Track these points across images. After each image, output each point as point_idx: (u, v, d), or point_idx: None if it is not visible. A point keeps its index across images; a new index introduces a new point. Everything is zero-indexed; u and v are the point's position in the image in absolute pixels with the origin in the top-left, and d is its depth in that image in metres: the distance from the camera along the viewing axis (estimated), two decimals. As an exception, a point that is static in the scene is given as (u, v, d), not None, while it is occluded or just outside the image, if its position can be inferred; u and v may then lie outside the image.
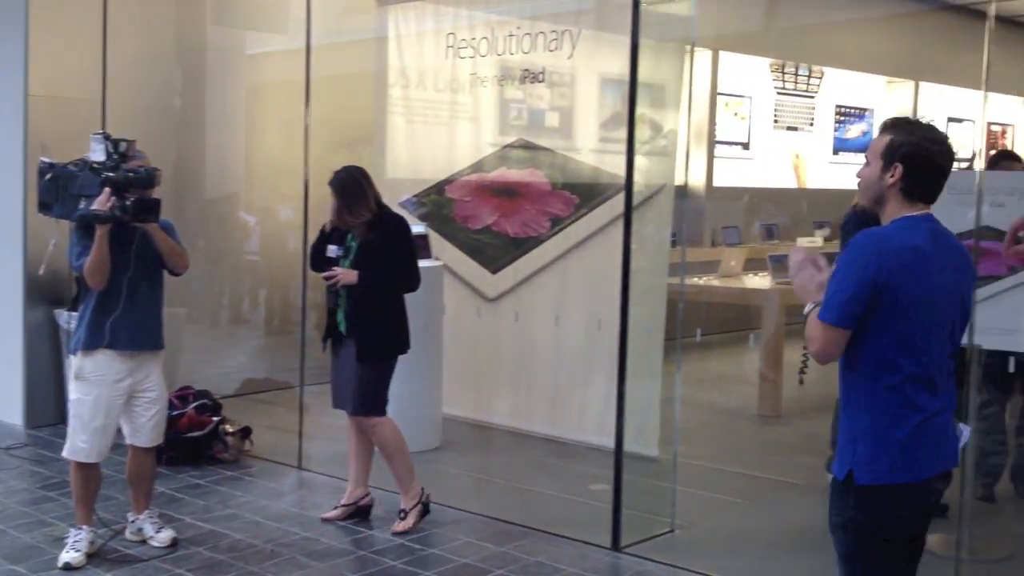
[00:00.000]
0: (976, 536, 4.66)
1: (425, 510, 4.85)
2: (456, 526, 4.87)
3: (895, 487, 2.74)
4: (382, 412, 4.79)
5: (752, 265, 8.77)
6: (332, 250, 4.79)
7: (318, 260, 4.85)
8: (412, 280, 4.80)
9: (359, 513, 4.94)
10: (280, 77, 7.43)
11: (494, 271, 6.66)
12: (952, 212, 4.55)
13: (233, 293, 8.25)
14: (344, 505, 4.95)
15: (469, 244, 6.74)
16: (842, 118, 11.93)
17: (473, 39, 6.59)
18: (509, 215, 6.57)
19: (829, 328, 2.70)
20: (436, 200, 6.85)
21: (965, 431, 2.93)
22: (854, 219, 5.12)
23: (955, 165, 2.89)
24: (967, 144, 12.43)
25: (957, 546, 4.50)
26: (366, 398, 4.75)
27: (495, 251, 6.64)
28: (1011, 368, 5.00)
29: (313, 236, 5.00)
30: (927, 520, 2.92)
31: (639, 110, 4.76)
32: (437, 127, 6.92)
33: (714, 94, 10.27)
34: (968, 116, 12.25)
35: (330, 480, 5.52)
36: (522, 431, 6.44)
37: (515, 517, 4.95)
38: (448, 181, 6.82)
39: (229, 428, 5.95)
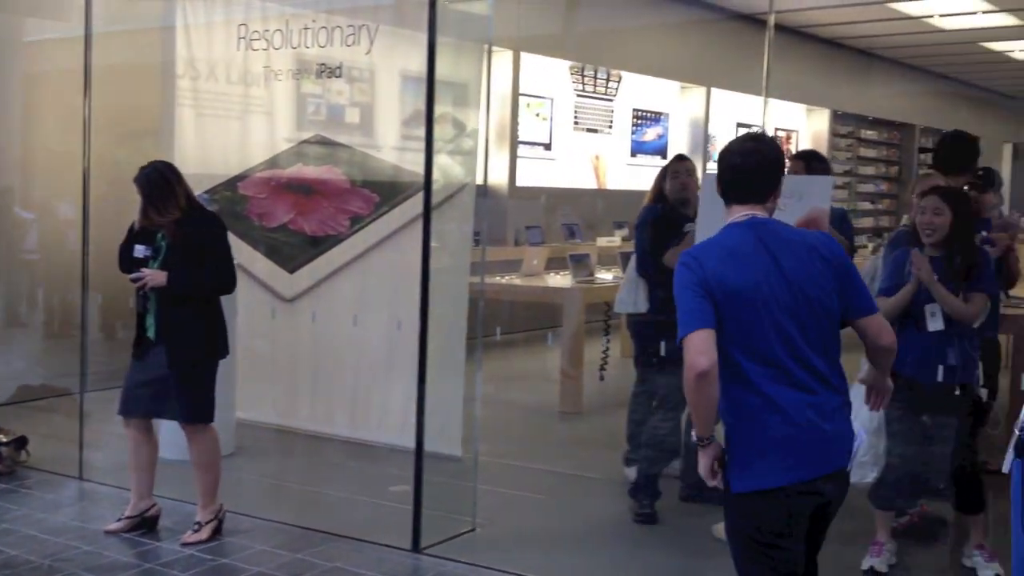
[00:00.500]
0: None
1: (219, 527, 4.68)
2: (250, 534, 4.72)
3: (769, 492, 2.72)
4: (211, 419, 4.61)
5: (554, 264, 8.94)
6: (140, 250, 4.55)
7: (125, 260, 4.60)
8: (226, 281, 4.62)
9: (145, 524, 4.72)
10: (60, 66, 7.04)
11: (291, 271, 6.51)
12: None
13: (8, 294, 7.75)
14: (129, 517, 4.71)
15: (265, 243, 6.57)
16: (639, 121, 12.34)
17: (266, 31, 6.41)
18: (307, 213, 6.44)
19: (692, 338, 2.67)
20: (229, 197, 6.64)
21: (861, 433, 2.91)
22: (648, 218, 5.29)
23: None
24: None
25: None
26: (194, 405, 4.55)
27: (292, 250, 6.50)
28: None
29: (95, 233, 4.75)
30: (822, 521, 2.89)
31: (440, 108, 4.76)
32: (229, 121, 6.70)
33: (516, 95, 10.42)
34: (757, 122, 12.89)
35: (114, 491, 5.24)
36: (322, 434, 6.32)
37: (313, 523, 4.85)
38: (241, 177, 6.62)
39: (2, 438, 5.59)
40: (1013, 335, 5.93)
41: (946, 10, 11.44)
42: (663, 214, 5.13)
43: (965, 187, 4.83)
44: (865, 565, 4.43)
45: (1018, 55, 14.27)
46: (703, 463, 2.80)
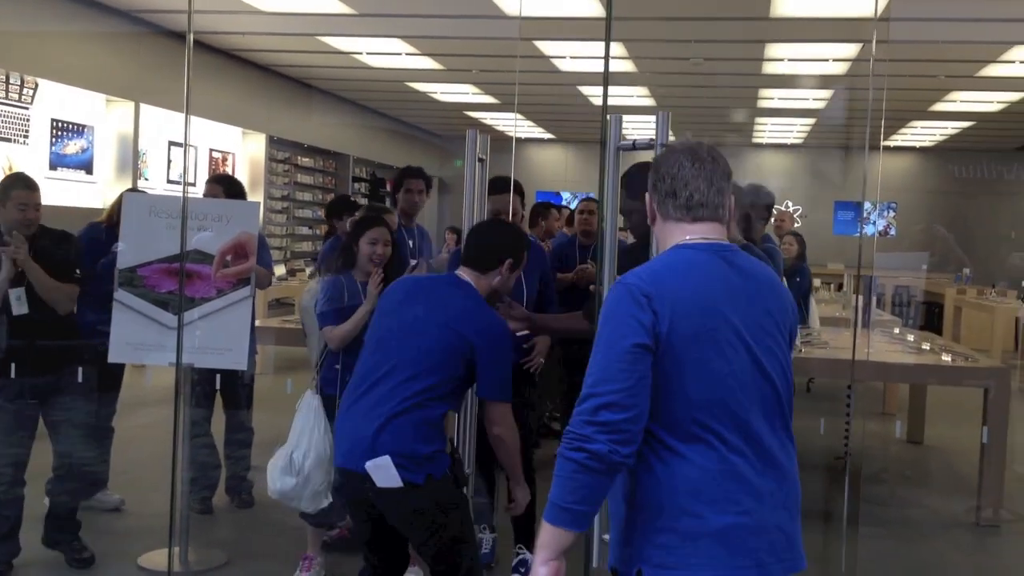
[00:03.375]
0: (196, 548, 5.08)
1: None
2: None
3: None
4: None
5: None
6: None
7: None
8: None
9: None
10: None
11: None
12: (164, 236, 4.93)
13: None
14: None
15: None
16: (60, 133, 11.88)
17: None
18: None
19: None
20: None
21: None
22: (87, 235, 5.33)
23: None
24: (190, 168, 13.20)
25: (171, 559, 4.86)
26: None
27: None
28: (218, 385, 5.54)
29: None
30: (385, 523, 3.40)
31: None
32: None
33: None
34: (192, 141, 13.00)
35: None
36: None
37: None
38: None
39: None
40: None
41: (373, 49, 12.47)
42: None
43: None
44: (296, 579, 4.80)
45: (440, 97, 15.92)
46: None
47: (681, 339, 2.27)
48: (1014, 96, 14.00)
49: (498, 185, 4.93)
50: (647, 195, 2.56)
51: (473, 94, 15.48)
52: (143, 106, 11.94)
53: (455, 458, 3.45)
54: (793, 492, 2.43)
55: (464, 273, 3.60)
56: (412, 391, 3.32)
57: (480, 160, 4.25)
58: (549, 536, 2.26)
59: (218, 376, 5.46)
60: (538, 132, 21.30)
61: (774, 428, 2.38)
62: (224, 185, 5.73)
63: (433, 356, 3.35)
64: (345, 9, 10.04)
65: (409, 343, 3.38)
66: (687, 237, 2.45)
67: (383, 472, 3.28)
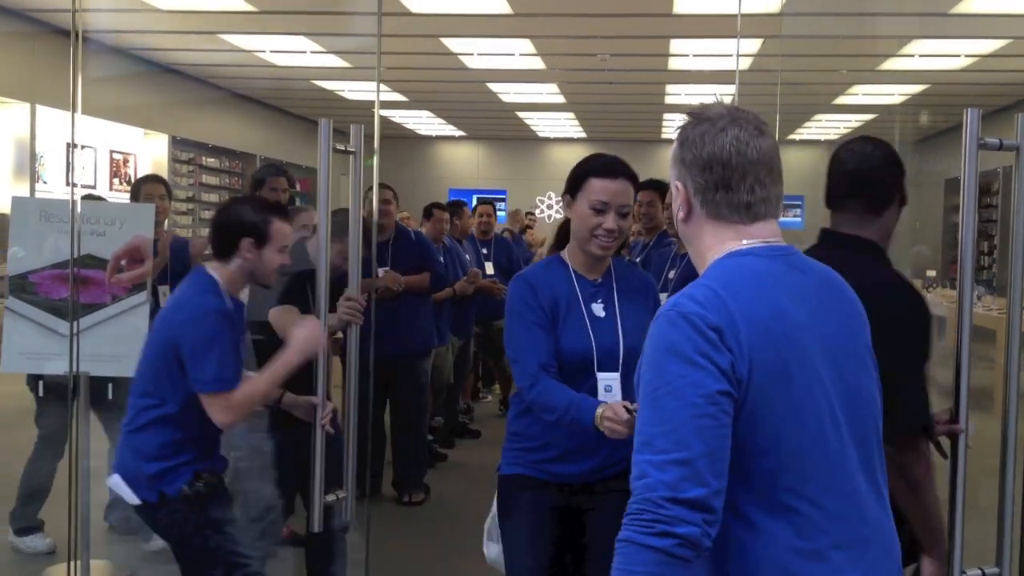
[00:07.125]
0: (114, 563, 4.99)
1: None
2: None
3: None
4: None
5: None
6: None
7: None
8: None
9: None
10: None
11: None
12: (57, 241, 4.84)
13: None
14: None
15: None
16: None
17: None
18: None
19: None
20: None
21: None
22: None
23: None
24: (90, 170, 12.96)
25: (70, 573, 4.77)
26: None
27: None
28: (110, 395, 5.44)
29: None
30: None
31: None
32: None
33: None
34: (91, 143, 12.78)
35: None
36: None
37: None
38: None
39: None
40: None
41: (276, 47, 12.34)
42: None
43: None
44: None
45: (348, 95, 15.82)
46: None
47: (761, 382, 1.73)
48: (914, 88, 14.39)
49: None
50: (675, 184, 1.90)
51: (383, 92, 15.42)
52: (39, 107, 11.67)
53: (201, 475, 3.42)
54: (893, 552, 1.89)
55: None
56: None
57: (350, 153, 3.81)
58: None
59: (110, 385, 5.35)
60: (449, 129, 21.30)
61: (872, 477, 1.86)
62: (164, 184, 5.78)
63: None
64: (246, 7, 9.92)
65: None
66: (743, 241, 1.85)
67: (121, 490, 3.41)
